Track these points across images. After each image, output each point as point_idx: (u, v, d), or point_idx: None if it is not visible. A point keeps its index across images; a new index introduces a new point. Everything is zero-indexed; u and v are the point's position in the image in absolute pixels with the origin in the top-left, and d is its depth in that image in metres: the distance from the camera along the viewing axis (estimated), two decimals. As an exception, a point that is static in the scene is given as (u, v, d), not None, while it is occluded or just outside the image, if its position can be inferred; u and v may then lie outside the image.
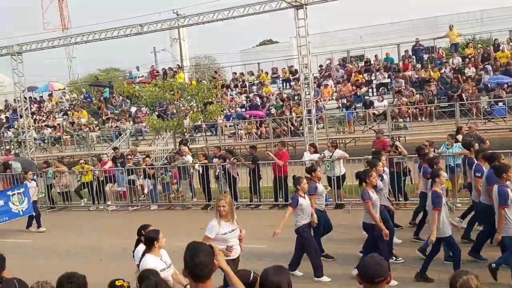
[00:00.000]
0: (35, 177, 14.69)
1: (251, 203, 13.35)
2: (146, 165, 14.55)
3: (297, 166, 13.09)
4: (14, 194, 12.44)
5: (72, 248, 10.82)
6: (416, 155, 11.26)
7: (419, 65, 21.98)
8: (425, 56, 23.07)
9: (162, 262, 5.30)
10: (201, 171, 13.66)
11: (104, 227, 12.61)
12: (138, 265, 5.32)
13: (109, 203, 14.92)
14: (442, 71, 20.33)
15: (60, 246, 11.07)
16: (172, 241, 10.28)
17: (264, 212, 12.81)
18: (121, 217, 13.87)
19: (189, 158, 14.19)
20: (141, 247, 5.50)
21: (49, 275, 8.23)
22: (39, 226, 12.90)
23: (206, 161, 13.72)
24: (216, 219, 6.18)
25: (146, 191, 14.47)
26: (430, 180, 7.57)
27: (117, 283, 3.87)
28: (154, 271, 4.09)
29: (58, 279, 3.75)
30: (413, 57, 23.02)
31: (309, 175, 8.57)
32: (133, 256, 5.79)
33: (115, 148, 17.33)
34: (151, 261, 5.13)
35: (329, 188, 12.88)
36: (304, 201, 7.74)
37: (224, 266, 3.27)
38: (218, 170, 13.43)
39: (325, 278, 7.56)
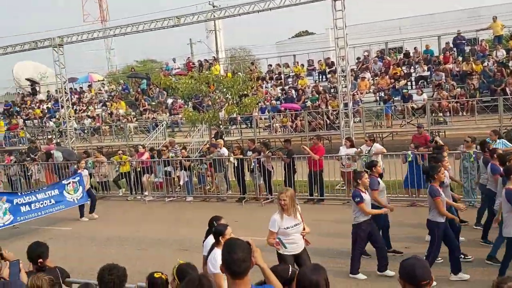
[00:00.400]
0: (89, 164, 15.14)
1: (285, 197, 13.29)
2: (182, 157, 14.72)
3: (332, 161, 12.95)
4: (69, 183, 12.63)
5: (110, 236, 11.09)
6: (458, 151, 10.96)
7: (460, 58, 21.28)
8: (467, 49, 22.31)
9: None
10: (236, 164, 13.71)
11: (141, 216, 12.85)
12: (206, 257, 5.24)
13: (146, 193, 15.20)
14: (485, 64, 19.61)
15: (99, 235, 11.36)
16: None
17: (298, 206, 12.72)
18: (158, 207, 14.12)
19: (224, 150, 14.26)
20: (211, 239, 5.37)
21: (88, 263, 8.52)
22: (92, 211, 13.24)
23: (241, 155, 13.71)
24: (279, 213, 6.14)
25: (181, 182, 14.66)
26: (502, 177, 7.16)
27: (155, 275, 3.91)
28: (193, 265, 4.08)
29: (99, 271, 3.82)
30: (454, 49, 22.29)
31: (369, 171, 8.22)
32: (203, 246, 5.69)
33: (151, 149, 17.62)
34: (220, 256, 4.98)
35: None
36: (366, 196, 7.49)
37: (261, 263, 3.25)
38: (253, 164, 13.43)
39: (360, 276, 7.45)
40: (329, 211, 11.89)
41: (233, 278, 3.03)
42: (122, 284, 3.84)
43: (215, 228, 5.21)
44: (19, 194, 11.84)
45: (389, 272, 7.28)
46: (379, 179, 8.29)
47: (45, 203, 11.98)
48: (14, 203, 11.31)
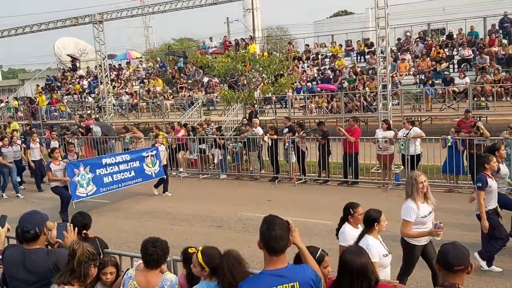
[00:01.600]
0: (126, 139, 15.47)
1: (319, 178, 13.23)
2: (216, 135, 14.82)
3: (368, 143, 12.74)
4: (148, 155, 12.29)
5: (145, 211, 11.33)
6: (501, 137, 10.58)
7: (505, 41, 20.37)
8: (514, 31, 21.31)
9: (383, 247, 4.71)
10: (270, 144, 13.69)
11: (176, 192, 13.03)
12: (343, 247, 4.74)
13: (181, 169, 15.43)
14: (534, 47, 18.71)
15: (134, 209, 11.63)
16: (240, 211, 10.59)
17: (332, 188, 12.67)
18: (192, 184, 14.30)
19: (259, 130, 14.26)
20: (348, 227, 4.99)
21: (124, 236, 8.81)
22: (165, 190, 12.92)
23: (275, 136, 13.65)
24: (412, 200, 5.46)
25: (216, 161, 14.78)
26: None
27: (190, 250, 3.96)
28: (213, 247, 3.98)
29: (142, 243, 3.93)
30: (500, 31, 21.32)
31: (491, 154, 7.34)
32: (337, 236, 5.17)
33: (185, 124, 17.79)
34: (374, 244, 4.58)
35: (402, 167, 12.47)
36: (493, 182, 6.80)
37: (299, 243, 3.24)
38: (287, 144, 13.39)
39: (494, 268, 6.92)
40: (363, 195, 11.75)
41: (270, 255, 3.04)
42: (165, 256, 3.94)
43: (369, 215, 4.76)
44: (103, 163, 11.44)
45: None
46: (501, 164, 7.27)
47: (125, 174, 11.82)
48: (97, 173, 11.15)
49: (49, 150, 12.00)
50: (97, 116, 23.00)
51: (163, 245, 3.93)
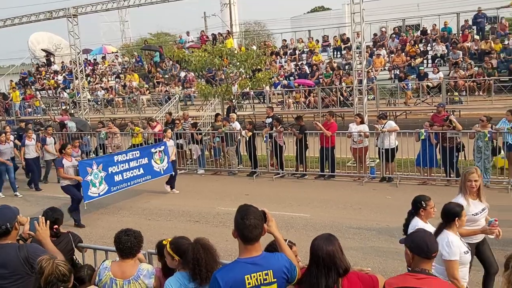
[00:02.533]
0: (102, 135, 15.10)
1: (296, 172, 13.33)
2: (192, 131, 14.74)
3: (344, 137, 12.89)
4: (156, 152, 11.76)
5: (121, 207, 11.23)
6: (473, 130, 10.84)
7: (477, 37, 20.82)
8: (487, 27, 21.77)
9: (463, 243, 4.44)
10: (247, 138, 13.72)
11: (152, 188, 12.95)
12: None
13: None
14: (505, 43, 19.15)
15: (110, 204, 11.50)
16: (217, 205, 10.61)
17: (309, 182, 12.78)
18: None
19: (236, 124, 14.27)
20: (420, 222, 4.71)
21: (99, 231, 8.77)
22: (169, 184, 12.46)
23: (250, 133, 13.65)
24: (463, 196, 5.15)
25: (195, 156, 14.71)
26: None
27: (164, 242, 3.97)
28: (183, 236, 4.02)
29: (116, 234, 3.97)
30: (474, 27, 21.78)
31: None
32: (404, 232, 4.92)
33: (170, 113, 17.65)
34: (455, 241, 4.29)
35: (378, 160, 12.66)
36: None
37: (275, 233, 3.28)
38: (265, 138, 13.45)
39: None
40: (339, 188, 11.90)
41: (244, 244, 3.08)
42: (139, 244, 3.96)
43: (450, 209, 4.44)
44: (115, 160, 10.84)
45: None
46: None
47: (135, 172, 11.27)
48: (109, 172, 10.56)
49: (60, 145, 11.41)
50: (72, 111, 22.64)
51: (136, 234, 3.97)
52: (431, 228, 4.55)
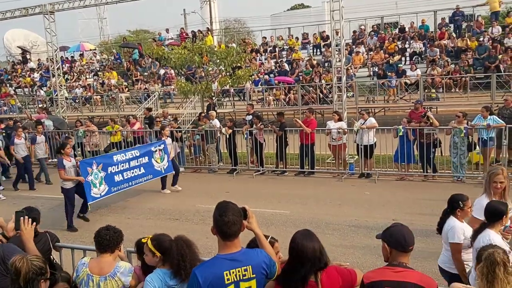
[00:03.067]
0: (80, 133, 14.85)
1: (276, 169, 13.38)
2: (173, 127, 14.65)
3: (324, 134, 12.99)
4: (156, 150, 11.47)
5: (100, 205, 11.08)
6: (449, 127, 11.04)
7: (454, 34, 21.20)
8: (464, 25, 22.18)
9: (505, 243, 4.19)
10: (227, 136, 13.71)
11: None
12: (457, 244, 4.46)
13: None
14: (481, 40, 19.53)
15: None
16: (197, 203, 10.58)
17: (289, 178, 12.83)
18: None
19: (216, 122, 14.24)
20: (457, 222, 4.56)
21: (78, 230, 8.67)
22: (175, 183, 12.20)
23: (230, 131, 13.63)
24: (487, 197, 4.89)
25: (173, 154, 14.61)
26: None
27: (143, 240, 3.97)
28: (164, 234, 4.01)
29: (96, 231, 4.02)
30: (450, 25, 22.15)
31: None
32: (438, 231, 4.80)
33: (149, 109, 17.51)
34: (497, 240, 4.07)
35: (357, 156, 12.79)
36: None
37: (255, 229, 3.29)
38: (245, 135, 13.45)
39: None
40: (319, 184, 11.99)
41: (223, 240, 3.09)
42: (118, 238, 4.00)
43: (496, 208, 4.25)
44: (115, 160, 10.48)
45: None
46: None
47: (135, 171, 10.93)
48: (109, 172, 10.21)
49: (59, 145, 10.76)
50: (49, 110, 22.26)
51: (116, 229, 4.03)
52: (469, 229, 4.51)
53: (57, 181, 10.45)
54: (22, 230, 4.01)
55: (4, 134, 15.10)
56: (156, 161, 11.45)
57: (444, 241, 4.82)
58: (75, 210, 9.79)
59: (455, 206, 4.67)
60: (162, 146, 11.70)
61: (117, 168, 10.49)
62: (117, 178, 10.44)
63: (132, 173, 10.86)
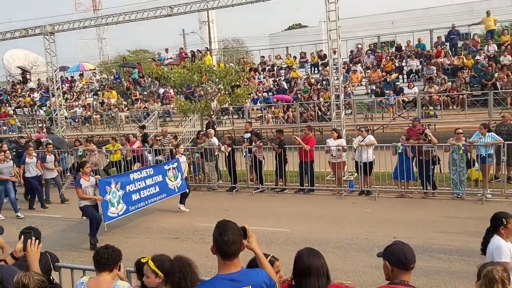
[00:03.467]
0: (80, 152, 14.87)
1: (276, 187, 13.36)
2: (173, 145, 14.67)
3: (323, 152, 13.01)
4: (169, 168, 11.29)
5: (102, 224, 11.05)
6: (448, 144, 11.08)
7: (450, 52, 21.43)
8: (460, 43, 22.43)
9: None
10: (227, 154, 13.73)
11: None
12: (505, 263, 4.18)
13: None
14: (477, 58, 19.73)
15: (87, 223, 11.29)
16: (197, 221, 10.53)
17: (289, 196, 12.81)
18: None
19: (214, 140, 14.28)
20: (501, 240, 4.43)
21: (77, 250, 8.60)
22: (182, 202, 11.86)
23: (229, 149, 13.66)
24: None
25: (186, 172, 14.49)
26: None
27: (142, 260, 3.96)
28: (164, 254, 4.01)
29: (95, 249, 4.08)
30: (446, 43, 22.41)
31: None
32: (482, 252, 4.69)
33: (142, 127, 17.53)
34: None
35: (356, 174, 12.79)
36: None
37: (255, 249, 3.27)
38: (244, 153, 13.47)
39: None
40: (319, 202, 11.97)
41: (223, 259, 3.07)
42: (117, 258, 4.02)
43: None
44: (131, 179, 10.35)
45: None
46: None
47: (151, 190, 10.75)
48: (127, 190, 10.04)
49: (77, 163, 10.89)
50: (50, 128, 22.31)
51: (115, 248, 4.05)
52: (510, 246, 4.39)
53: (74, 200, 10.60)
54: (28, 252, 3.99)
55: (14, 152, 14.89)
56: (170, 180, 11.28)
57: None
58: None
59: (498, 223, 4.56)
60: (176, 164, 11.55)
61: (134, 186, 10.34)
62: (135, 196, 10.30)
63: (148, 191, 10.71)
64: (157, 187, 10.92)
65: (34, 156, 13.41)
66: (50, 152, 14.17)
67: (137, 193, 10.39)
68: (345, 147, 12.37)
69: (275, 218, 10.51)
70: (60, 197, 13.74)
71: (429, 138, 11.40)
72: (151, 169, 11.14)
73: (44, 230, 9.70)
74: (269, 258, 3.53)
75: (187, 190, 11.79)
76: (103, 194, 9.49)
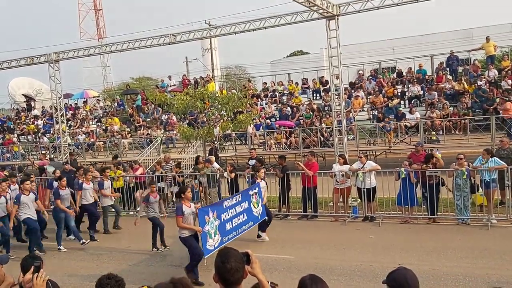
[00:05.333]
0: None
1: (279, 213, 13.27)
2: (175, 173, 14.69)
3: (326, 177, 12.98)
4: (252, 194, 10.50)
5: (102, 251, 10.99)
6: (451, 169, 11.05)
7: (450, 77, 21.60)
8: (460, 69, 22.61)
9: None
10: (229, 179, 13.70)
11: (134, 232, 12.72)
12: None
13: (138, 209, 15.07)
14: (478, 83, 19.85)
15: (90, 249, 11.23)
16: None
17: (292, 222, 12.72)
18: (150, 223, 13.96)
19: (215, 165, 14.28)
20: None
21: (78, 278, 8.50)
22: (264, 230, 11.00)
23: (233, 174, 13.63)
24: None
25: (175, 198, 14.57)
26: None
27: None
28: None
29: (98, 279, 3.91)
30: (447, 69, 22.60)
31: None
32: None
33: (115, 156, 17.65)
34: None
35: (359, 200, 12.72)
36: None
37: (259, 275, 3.22)
38: (247, 179, 13.44)
39: None
40: (323, 228, 11.87)
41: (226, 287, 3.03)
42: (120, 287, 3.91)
43: None
44: (225, 206, 9.59)
45: None
46: None
47: (240, 218, 9.94)
48: (222, 219, 9.25)
49: (179, 188, 10.25)
50: (52, 156, 22.40)
51: (118, 278, 3.92)
52: None
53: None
54: (34, 285, 3.92)
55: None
56: (254, 206, 10.44)
57: None
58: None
59: None
60: (257, 189, 10.76)
61: (228, 215, 9.57)
62: (228, 226, 9.50)
63: (239, 219, 9.89)
64: (245, 214, 10.10)
65: (91, 181, 12.94)
66: (108, 178, 13.55)
67: (230, 222, 9.59)
68: (349, 174, 12.34)
69: (279, 245, 10.41)
70: (112, 226, 13.10)
71: (435, 160, 11.40)
72: (239, 195, 10.36)
73: (119, 265, 9.76)
74: (270, 285, 3.48)
75: (266, 218, 10.79)
76: (202, 225, 8.67)
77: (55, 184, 12.38)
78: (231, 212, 9.67)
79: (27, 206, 11.12)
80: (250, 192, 10.55)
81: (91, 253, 10.98)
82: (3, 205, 11.29)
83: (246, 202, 10.24)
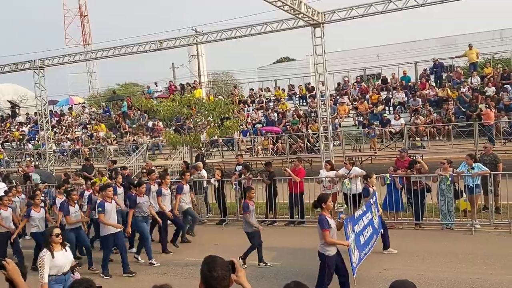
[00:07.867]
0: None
1: (266, 219, 13.28)
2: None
3: (313, 183, 13.04)
4: (372, 204, 9.36)
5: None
6: (435, 174, 11.18)
7: (434, 84, 21.92)
8: (444, 75, 22.95)
9: None
10: (216, 186, 13.69)
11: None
12: None
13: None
14: (461, 90, 20.16)
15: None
16: (186, 256, 10.40)
17: (279, 229, 12.74)
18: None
19: (203, 173, 14.25)
20: None
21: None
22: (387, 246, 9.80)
23: (219, 178, 13.64)
24: None
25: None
26: None
27: None
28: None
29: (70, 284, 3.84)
30: (431, 76, 22.91)
31: None
32: None
33: (113, 161, 17.41)
34: None
35: (345, 206, 12.81)
36: None
37: (245, 283, 3.24)
38: (234, 186, 13.46)
39: None
40: (309, 234, 11.88)
41: None
42: None
43: None
44: (355, 217, 8.41)
45: None
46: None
47: (368, 231, 8.72)
48: (356, 232, 8.04)
49: (317, 197, 7.99)
50: (37, 163, 22.14)
51: (91, 283, 3.81)
52: None
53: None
54: (8, 270, 3.73)
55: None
56: (374, 217, 9.24)
57: None
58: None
59: None
60: (375, 198, 9.68)
61: (359, 227, 8.34)
62: (361, 239, 8.31)
63: (367, 232, 8.68)
64: (370, 227, 8.89)
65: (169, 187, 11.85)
66: (187, 181, 12.40)
67: (362, 235, 8.37)
68: (336, 179, 12.42)
69: (266, 252, 10.36)
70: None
71: (419, 165, 11.54)
72: (363, 205, 9.41)
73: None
74: None
75: (382, 230, 9.55)
76: (347, 238, 7.57)
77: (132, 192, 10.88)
78: (361, 224, 8.45)
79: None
80: (372, 201, 9.44)
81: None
82: (78, 213, 10.45)
83: (369, 212, 9.10)
